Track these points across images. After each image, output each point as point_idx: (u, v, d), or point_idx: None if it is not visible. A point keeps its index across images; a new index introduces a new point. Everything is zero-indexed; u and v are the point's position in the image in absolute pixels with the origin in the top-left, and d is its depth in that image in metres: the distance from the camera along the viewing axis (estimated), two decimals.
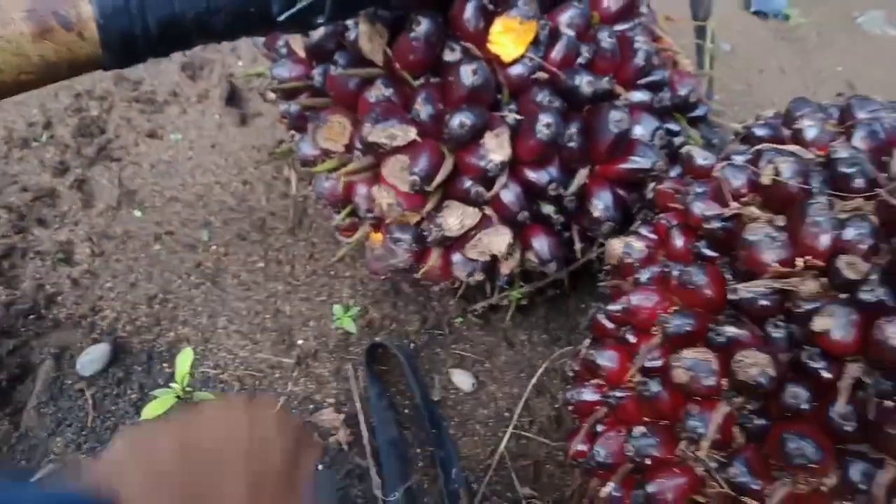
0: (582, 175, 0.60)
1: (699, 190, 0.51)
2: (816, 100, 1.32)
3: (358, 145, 0.58)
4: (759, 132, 0.56)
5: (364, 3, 0.50)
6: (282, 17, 0.44)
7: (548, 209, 0.62)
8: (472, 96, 0.56)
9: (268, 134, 0.86)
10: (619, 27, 0.64)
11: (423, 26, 0.55)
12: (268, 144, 0.86)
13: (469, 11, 0.56)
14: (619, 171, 0.61)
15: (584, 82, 0.58)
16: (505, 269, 0.63)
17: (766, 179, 0.46)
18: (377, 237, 0.63)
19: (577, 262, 0.67)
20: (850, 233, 0.42)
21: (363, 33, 0.57)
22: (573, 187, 0.59)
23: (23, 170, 0.77)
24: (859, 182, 0.44)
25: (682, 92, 0.67)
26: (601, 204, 0.61)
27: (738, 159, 0.52)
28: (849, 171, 0.44)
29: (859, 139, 0.49)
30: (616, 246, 0.53)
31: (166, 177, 0.80)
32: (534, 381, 0.70)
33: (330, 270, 0.76)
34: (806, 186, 0.44)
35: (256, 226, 0.78)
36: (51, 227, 0.73)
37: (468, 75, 0.55)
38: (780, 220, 0.45)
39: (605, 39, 0.61)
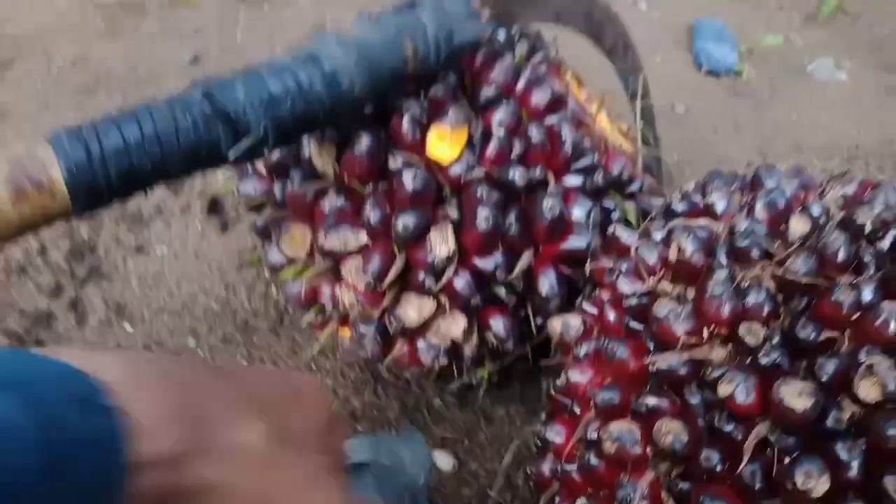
0: (526, 258, 0.65)
1: (623, 267, 0.56)
2: (772, 152, 1.38)
3: (318, 252, 0.64)
4: (678, 207, 0.61)
5: (302, 130, 0.57)
6: (231, 154, 0.51)
7: (500, 291, 0.67)
8: (414, 199, 0.62)
9: (247, 238, 0.92)
10: (548, 121, 0.71)
11: (364, 142, 0.61)
12: (248, 248, 0.92)
13: (405, 125, 0.62)
14: (559, 251, 0.66)
15: (517, 176, 0.64)
16: (467, 351, 0.68)
17: (672, 256, 0.51)
18: (345, 331, 0.68)
19: (537, 339, 0.71)
20: (749, 301, 0.47)
21: (314, 150, 0.63)
22: (517, 270, 0.64)
23: (21, 295, 0.83)
24: (756, 253, 0.49)
25: (615, 171, 0.73)
26: (547, 283, 0.66)
27: (656, 235, 0.57)
28: (744, 243, 0.49)
29: (761, 209, 0.54)
30: (556, 325, 0.58)
31: (154, 289, 0.86)
32: (507, 458, 0.73)
33: (311, 364, 0.81)
34: (706, 260, 0.49)
35: (240, 327, 0.83)
36: (47, 347, 0.79)
37: (409, 181, 0.61)
38: (691, 293, 0.50)
39: (535, 134, 0.67)
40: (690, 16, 1.66)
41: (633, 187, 0.76)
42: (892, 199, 0.56)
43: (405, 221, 0.60)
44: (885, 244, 0.49)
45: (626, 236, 0.60)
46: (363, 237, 0.61)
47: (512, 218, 0.64)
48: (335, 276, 0.64)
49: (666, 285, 0.51)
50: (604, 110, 0.84)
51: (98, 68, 1.20)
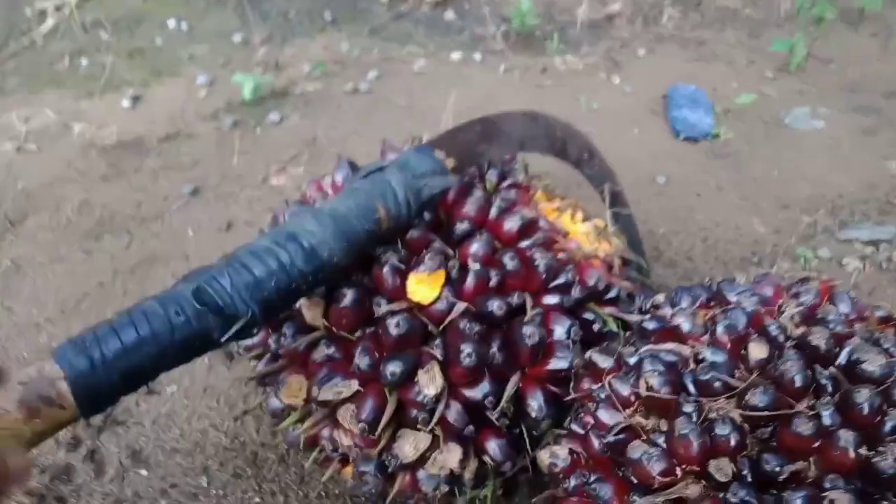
0: (513, 383, 0.68)
1: (602, 395, 0.59)
2: (758, 209, 1.40)
3: (313, 402, 0.68)
4: (649, 325, 0.65)
5: (289, 303, 0.61)
6: (222, 339, 0.55)
7: (492, 416, 0.70)
8: (400, 342, 0.65)
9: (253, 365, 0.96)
10: (521, 245, 0.75)
11: (348, 297, 0.66)
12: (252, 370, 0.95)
13: (385, 275, 0.67)
14: (544, 372, 0.69)
15: (496, 307, 0.68)
16: (466, 475, 0.70)
17: (642, 391, 0.54)
18: (347, 470, 0.71)
19: (534, 452, 0.73)
20: (717, 434, 0.49)
21: (304, 306, 0.68)
22: (506, 397, 0.67)
23: (40, 452, 0.87)
24: (718, 385, 0.52)
25: (590, 282, 0.76)
26: (535, 404, 0.69)
27: (630, 359, 0.60)
28: (707, 377, 0.52)
29: (721, 333, 0.57)
30: (544, 457, 0.60)
31: (166, 430, 0.90)
32: None
33: (322, 492, 0.83)
34: (674, 394, 0.52)
35: (250, 461, 0.86)
36: (68, 502, 0.82)
37: (393, 328, 0.65)
38: (664, 425, 0.53)
39: (509, 262, 0.71)
40: (663, 84, 1.72)
41: (611, 294, 0.79)
42: (845, 309, 0.59)
43: (392, 368, 0.63)
44: (840, 361, 0.52)
45: (601, 361, 0.63)
46: (355, 384, 0.65)
47: (495, 347, 0.67)
48: (332, 422, 0.68)
49: (641, 420, 0.53)
50: (577, 217, 0.88)
51: (103, 212, 1.27)
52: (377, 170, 0.68)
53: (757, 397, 0.49)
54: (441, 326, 0.68)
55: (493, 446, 0.70)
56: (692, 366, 0.56)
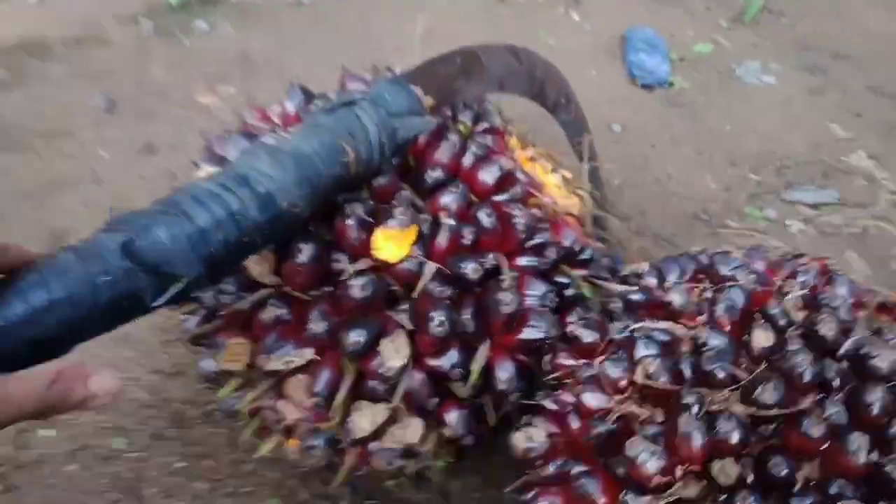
0: (482, 352, 0.62)
1: (587, 374, 0.54)
2: (710, 164, 1.38)
3: (258, 371, 0.59)
4: (636, 297, 0.59)
5: (239, 260, 0.51)
6: (156, 304, 0.45)
7: (457, 387, 0.64)
8: (363, 307, 0.57)
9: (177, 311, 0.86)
10: (498, 198, 0.67)
11: (305, 252, 0.57)
12: (177, 321, 0.85)
13: (350, 228, 0.58)
14: (516, 342, 0.63)
15: (470, 269, 0.61)
16: (424, 449, 0.64)
17: (639, 379, 0.49)
18: (293, 443, 0.63)
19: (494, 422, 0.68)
20: (720, 430, 0.45)
21: (250, 260, 0.58)
22: (476, 368, 0.61)
23: None
24: (723, 376, 0.48)
25: (566, 242, 0.70)
26: (505, 375, 0.63)
27: (617, 337, 0.55)
28: (711, 367, 0.48)
29: (722, 313, 0.53)
30: (520, 441, 0.55)
31: None
32: None
33: (254, 453, 0.76)
34: (675, 387, 0.48)
35: (173, 420, 0.77)
36: None
37: (357, 290, 0.57)
38: (660, 415, 0.48)
39: (485, 219, 0.64)
40: (622, 24, 1.65)
41: (585, 255, 0.74)
42: (844, 292, 0.56)
43: (354, 337, 0.55)
44: (845, 351, 0.49)
45: (585, 336, 0.57)
46: (309, 353, 0.57)
47: (468, 313, 0.61)
48: (278, 393, 0.60)
49: (634, 409, 0.49)
50: (548, 167, 0.81)
51: (1, 122, 1.09)
52: (346, 104, 0.57)
53: (767, 393, 0.45)
54: (411, 290, 0.60)
55: (453, 418, 0.64)
56: (687, 348, 0.52)
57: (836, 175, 1.40)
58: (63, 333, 0.42)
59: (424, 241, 0.61)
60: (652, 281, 0.61)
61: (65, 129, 1.10)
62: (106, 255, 0.43)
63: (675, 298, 0.55)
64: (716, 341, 0.50)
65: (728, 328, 0.52)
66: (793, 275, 0.56)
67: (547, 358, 0.61)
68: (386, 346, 0.57)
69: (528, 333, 0.62)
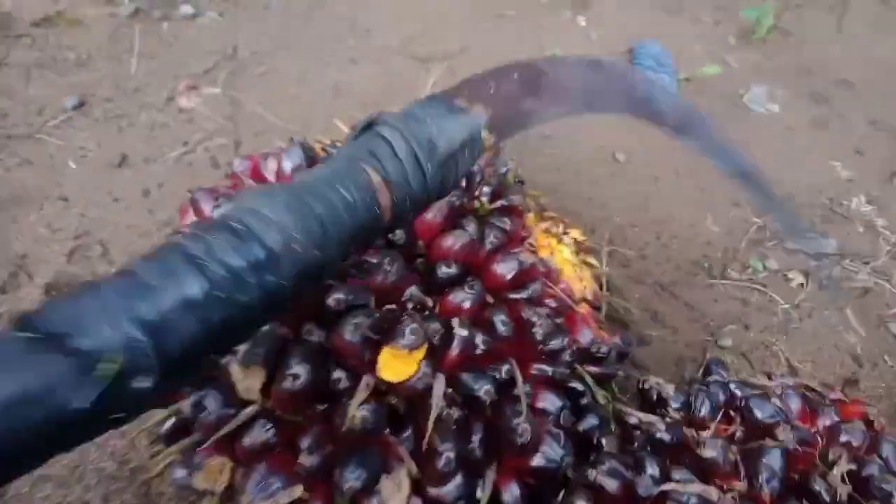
0: (490, 478, 0.57)
1: None
2: (713, 203, 1.32)
3: None
4: (664, 436, 0.54)
5: (200, 367, 0.36)
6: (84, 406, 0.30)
7: None
8: (363, 438, 0.51)
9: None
10: (514, 296, 0.61)
11: (301, 377, 0.50)
12: None
13: (350, 342, 0.51)
14: (526, 467, 0.58)
15: (484, 391, 0.55)
16: None
17: None
18: None
19: None
20: None
21: (236, 375, 0.51)
22: (483, 498, 0.56)
23: None
24: None
25: (583, 342, 0.65)
26: (511, 499, 0.58)
27: (644, 495, 0.50)
28: None
29: (763, 485, 0.48)
30: None
31: None
32: None
33: None
34: None
35: (140, 494, 0.71)
36: None
37: (358, 422, 0.50)
38: None
39: (501, 327, 0.58)
40: (629, 32, 1.58)
41: (601, 352, 0.68)
42: (891, 454, 0.51)
43: (351, 477, 0.49)
44: None
45: (607, 483, 0.52)
46: (298, 490, 0.50)
47: (476, 439, 0.55)
48: None
49: None
50: (560, 233, 0.75)
51: None
52: (365, 128, 0.46)
53: None
54: (413, 407, 0.54)
55: None
56: None
57: (837, 221, 1.37)
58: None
59: (434, 353, 0.55)
60: (677, 403, 0.56)
61: (29, 130, 0.99)
62: (25, 349, 0.29)
63: (710, 454, 0.50)
64: None
65: (769, 502, 0.47)
66: (835, 432, 0.51)
67: (560, 497, 0.55)
68: (385, 484, 0.51)
69: (540, 460, 0.57)
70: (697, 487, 0.49)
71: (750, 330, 1.09)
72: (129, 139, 1.02)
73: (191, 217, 0.65)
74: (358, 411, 0.49)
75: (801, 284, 1.22)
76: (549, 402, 0.59)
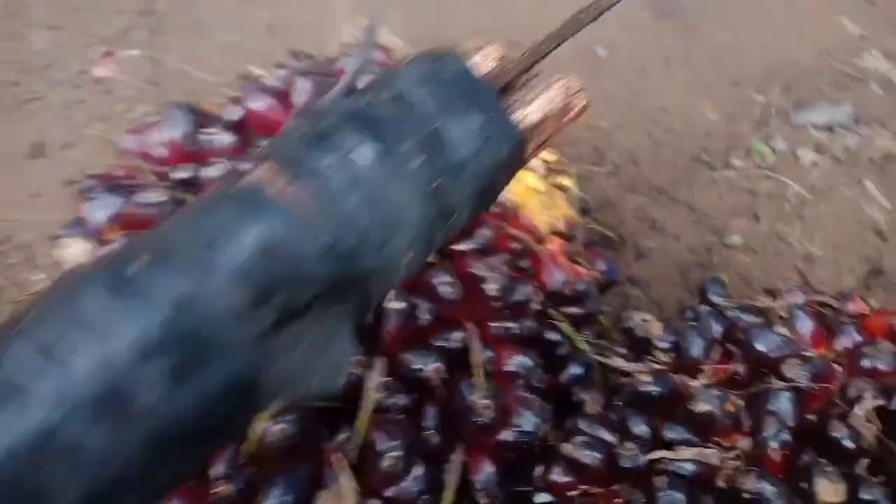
0: (456, 464, 0.49)
1: None
2: (709, 88, 1.19)
3: None
4: (651, 390, 0.45)
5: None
6: None
7: None
8: (290, 453, 0.43)
9: None
10: (459, 247, 0.51)
11: None
12: None
13: None
14: (496, 443, 0.50)
15: (432, 370, 0.46)
16: None
17: None
18: None
19: None
20: None
21: None
22: (449, 490, 0.48)
23: None
24: None
25: (554, 286, 0.55)
26: (482, 480, 0.50)
27: (631, 466, 0.42)
28: None
29: (771, 441, 0.39)
30: None
31: None
32: None
33: None
34: None
35: None
36: None
37: (276, 436, 0.42)
38: None
39: (445, 289, 0.48)
40: None
41: (577, 290, 0.59)
42: None
43: (279, 502, 0.41)
44: None
45: (582, 457, 0.44)
46: None
47: (431, 426, 0.46)
48: None
49: None
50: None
51: None
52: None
53: None
54: (350, 402, 0.46)
55: None
56: (724, 483, 0.39)
57: (850, 84, 1.23)
58: None
59: (367, 335, 0.46)
60: (667, 356, 0.47)
61: None
62: None
63: (703, 407, 0.41)
64: (766, 489, 0.36)
65: (780, 459, 0.38)
66: (856, 357, 0.42)
67: (539, 470, 0.47)
68: (325, 499, 0.43)
69: (512, 435, 0.49)
70: (693, 451, 0.40)
71: (760, 222, 0.99)
72: (43, 124, 0.91)
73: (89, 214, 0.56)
74: (276, 424, 0.41)
75: (814, 162, 1.09)
76: (517, 363, 0.50)
